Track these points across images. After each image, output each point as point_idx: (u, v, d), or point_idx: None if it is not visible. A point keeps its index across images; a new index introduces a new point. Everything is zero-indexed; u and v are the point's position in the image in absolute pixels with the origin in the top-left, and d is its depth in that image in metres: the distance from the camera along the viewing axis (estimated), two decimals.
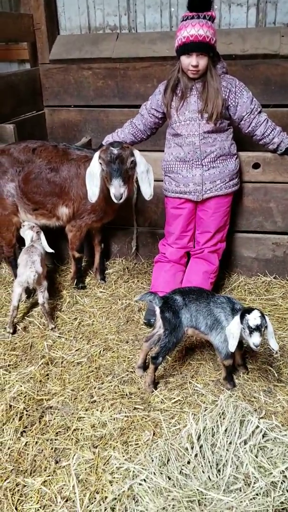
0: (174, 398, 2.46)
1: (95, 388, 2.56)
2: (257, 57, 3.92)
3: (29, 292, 3.39)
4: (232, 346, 2.31)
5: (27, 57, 4.56)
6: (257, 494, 1.81)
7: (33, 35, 4.19)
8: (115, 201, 2.84)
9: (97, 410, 2.40)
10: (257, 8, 4.07)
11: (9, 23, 3.82)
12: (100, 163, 2.86)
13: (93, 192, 2.92)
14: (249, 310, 2.27)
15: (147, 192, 2.96)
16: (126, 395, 2.50)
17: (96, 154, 2.88)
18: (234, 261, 3.66)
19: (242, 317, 2.26)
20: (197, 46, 2.81)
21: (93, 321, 3.17)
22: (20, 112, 4.12)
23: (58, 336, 3.00)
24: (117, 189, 2.80)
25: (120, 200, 2.83)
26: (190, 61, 2.86)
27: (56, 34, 4.41)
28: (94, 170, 2.88)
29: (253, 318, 2.22)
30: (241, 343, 2.56)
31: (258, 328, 2.21)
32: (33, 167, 3.25)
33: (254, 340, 2.22)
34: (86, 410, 2.41)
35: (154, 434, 2.24)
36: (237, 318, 2.29)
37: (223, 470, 1.91)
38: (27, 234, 3.30)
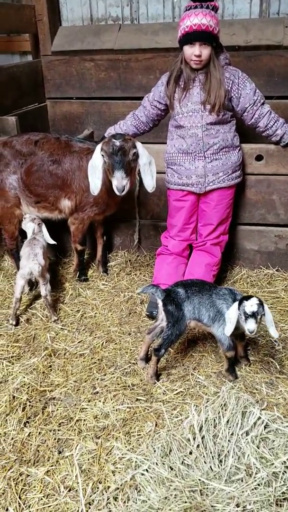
0: (176, 390, 2.47)
1: (97, 379, 2.57)
2: (260, 48, 3.89)
3: (32, 284, 3.40)
4: (228, 330, 2.33)
5: (29, 48, 4.54)
6: (258, 485, 1.83)
7: (35, 26, 4.17)
8: (118, 193, 2.83)
9: (100, 401, 2.41)
10: None
11: (11, 14, 3.80)
12: (102, 155, 2.85)
13: (95, 185, 2.92)
14: (247, 297, 2.29)
15: (150, 184, 2.95)
16: (129, 386, 2.51)
17: (98, 146, 2.87)
18: (237, 254, 3.65)
19: (240, 304, 2.28)
20: (200, 35, 2.80)
21: (95, 313, 3.18)
22: (22, 104, 4.11)
23: (61, 328, 3.01)
24: (119, 181, 2.79)
25: (123, 192, 2.82)
26: (193, 51, 2.85)
27: (58, 25, 4.39)
28: (96, 163, 2.87)
29: (250, 305, 2.24)
30: (243, 335, 2.57)
31: (253, 315, 2.24)
32: (35, 159, 3.25)
33: (249, 326, 2.25)
34: (89, 401, 2.43)
35: (156, 425, 2.25)
36: (236, 304, 2.31)
37: (225, 460, 1.93)
38: (28, 226, 3.29)
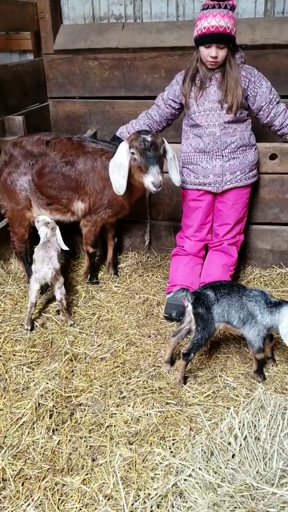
0: (206, 392, 2.43)
1: (123, 383, 2.52)
2: (266, 47, 3.88)
3: (42, 287, 3.31)
4: None
5: (28, 47, 4.45)
6: None
7: (37, 24, 4.08)
8: (154, 189, 2.70)
9: (129, 406, 2.36)
10: None
11: (15, 12, 3.71)
12: (133, 153, 2.74)
13: (120, 184, 2.81)
14: None
15: (177, 178, 2.90)
16: (156, 390, 2.47)
17: (123, 144, 2.78)
18: (249, 253, 3.63)
19: None
20: (217, 37, 2.77)
21: (112, 316, 3.13)
22: (25, 104, 4.02)
23: (79, 332, 2.95)
24: (156, 177, 2.68)
25: (159, 188, 2.70)
26: (209, 52, 2.82)
27: (60, 23, 4.31)
28: (122, 161, 2.77)
29: None
30: (271, 336, 2.55)
31: None
32: (47, 160, 3.16)
33: None
34: (117, 406, 2.37)
35: (190, 429, 2.21)
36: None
37: (269, 464, 1.90)
38: (41, 230, 3.21)
